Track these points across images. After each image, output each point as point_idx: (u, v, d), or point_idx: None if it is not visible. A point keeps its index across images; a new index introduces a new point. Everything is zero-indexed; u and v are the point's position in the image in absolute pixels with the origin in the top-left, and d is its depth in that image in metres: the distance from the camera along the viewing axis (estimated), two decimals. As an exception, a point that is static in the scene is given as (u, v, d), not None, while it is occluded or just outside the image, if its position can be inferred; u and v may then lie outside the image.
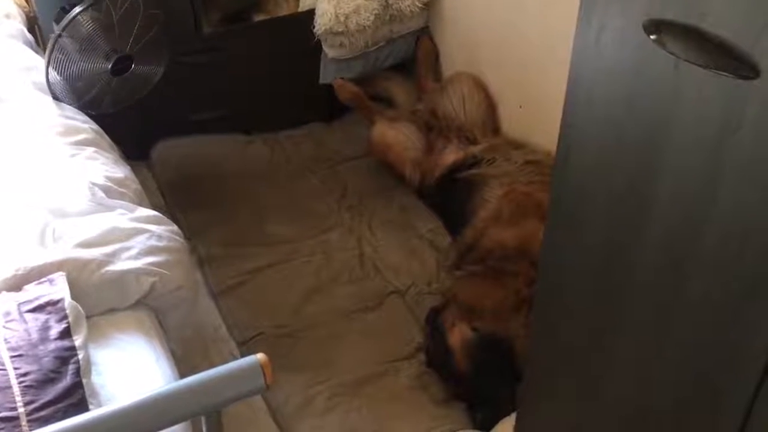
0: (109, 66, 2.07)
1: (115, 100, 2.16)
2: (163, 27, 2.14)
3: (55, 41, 1.95)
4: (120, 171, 1.88)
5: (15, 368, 1.27)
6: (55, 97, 2.03)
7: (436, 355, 1.96)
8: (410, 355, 2.02)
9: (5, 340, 1.31)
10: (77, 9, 1.96)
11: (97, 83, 2.08)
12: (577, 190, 1.22)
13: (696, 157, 0.97)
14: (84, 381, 1.29)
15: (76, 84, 2.05)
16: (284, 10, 2.74)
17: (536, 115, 2.30)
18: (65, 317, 1.37)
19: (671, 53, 0.93)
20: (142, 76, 2.17)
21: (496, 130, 2.49)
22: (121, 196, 1.78)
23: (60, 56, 1.97)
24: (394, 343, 2.04)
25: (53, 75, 1.99)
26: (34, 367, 1.28)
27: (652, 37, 0.94)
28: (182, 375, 1.51)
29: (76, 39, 1.97)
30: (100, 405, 1.29)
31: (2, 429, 1.19)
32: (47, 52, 1.97)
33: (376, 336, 2.07)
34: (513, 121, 2.44)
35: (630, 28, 0.99)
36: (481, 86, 2.51)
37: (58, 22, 2.09)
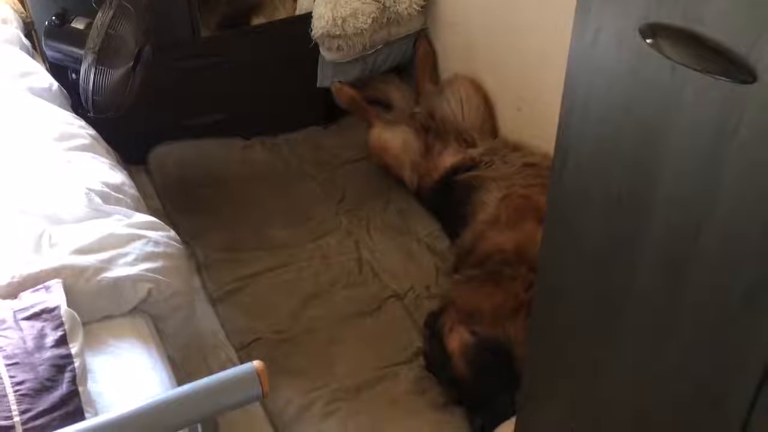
0: (132, 63, 2.07)
1: (131, 95, 2.15)
2: (152, 8, 2.14)
3: (95, 64, 1.94)
4: (117, 176, 1.87)
5: (10, 377, 1.26)
6: (96, 113, 2.04)
7: (434, 360, 1.95)
8: (409, 359, 2.01)
9: (1, 348, 1.31)
10: (105, 17, 1.95)
11: (125, 83, 2.08)
12: (575, 193, 1.22)
13: (694, 160, 0.97)
14: (80, 389, 1.28)
15: (115, 93, 2.04)
16: (282, 14, 2.74)
17: (534, 117, 2.29)
18: (61, 325, 1.37)
19: (668, 57, 0.92)
20: (145, 62, 2.17)
21: (494, 132, 2.48)
22: (118, 202, 1.78)
23: (101, 76, 1.97)
24: (393, 348, 2.04)
25: (98, 96, 2.00)
26: (29, 376, 1.27)
27: (648, 41, 0.94)
28: (180, 381, 1.50)
29: (108, 50, 1.97)
30: (96, 413, 1.28)
31: (-2, 438, 1.19)
32: (90, 77, 1.96)
33: (375, 340, 2.06)
34: (511, 124, 2.44)
35: (626, 31, 0.98)
36: (479, 89, 2.51)
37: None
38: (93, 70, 1.95)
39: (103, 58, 1.96)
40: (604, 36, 1.03)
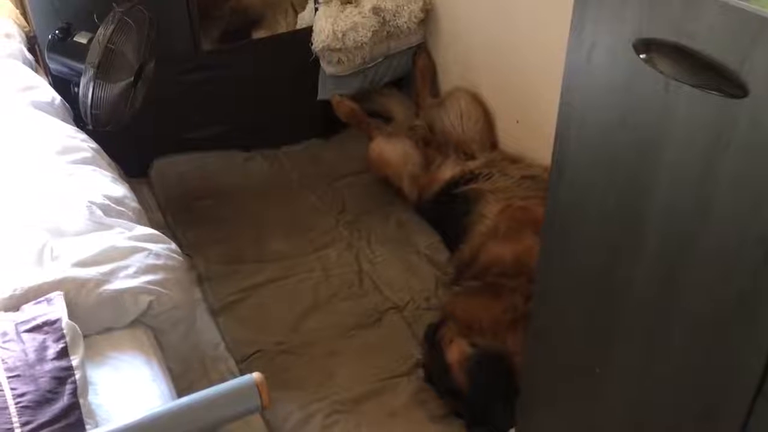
0: (132, 78, 2.08)
1: (132, 110, 2.17)
2: (155, 26, 2.16)
3: (93, 78, 1.95)
4: (118, 189, 1.88)
5: (12, 389, 1.27)
6: (95, 126, 2.06)
7: (434, 372, 1.95)
8: (409, 371, 2.01)
9: (2, 360, 1.31)
10: (107, 32, 1.96)
11: (125, 98, 2.09)
12: (572, 205, 1.23)
13: (688, 172, 0.98)
14: (81, 401, 1.29)
15: (114, 107, 2.06)
16: (283, 28, 2.76)
17: (533, 130, 2.31)
18: (62, 337, 1.37)
19: (661, 72, 0.94)
20: (147, 78, 2.18)
21: (493, 145, 2.49)
22: (120, 215, 1.78)
23: (99, 90, 1.99)
24: (393, 360, 2.04)
25: (97, 110, 2.01)
26: (31, 388, 1.27)
27: (641, 56, 0.95)
28: (180, 393, 1.50)
29: (108, 64, 1.98)
30: (97, 425, 1.28)
31: (-1, 450, 1.19)
32: (88, 91, 1.97)
33: (375, 352, 2.07)
34: (510, 136, 2.45)
35: (620, 47, 0.99)
36: (478, 102, 2.52)
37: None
38: (92, 84, 1.96)
39: (102, 73, 1.97)
40: (598, 51, 1.05)
